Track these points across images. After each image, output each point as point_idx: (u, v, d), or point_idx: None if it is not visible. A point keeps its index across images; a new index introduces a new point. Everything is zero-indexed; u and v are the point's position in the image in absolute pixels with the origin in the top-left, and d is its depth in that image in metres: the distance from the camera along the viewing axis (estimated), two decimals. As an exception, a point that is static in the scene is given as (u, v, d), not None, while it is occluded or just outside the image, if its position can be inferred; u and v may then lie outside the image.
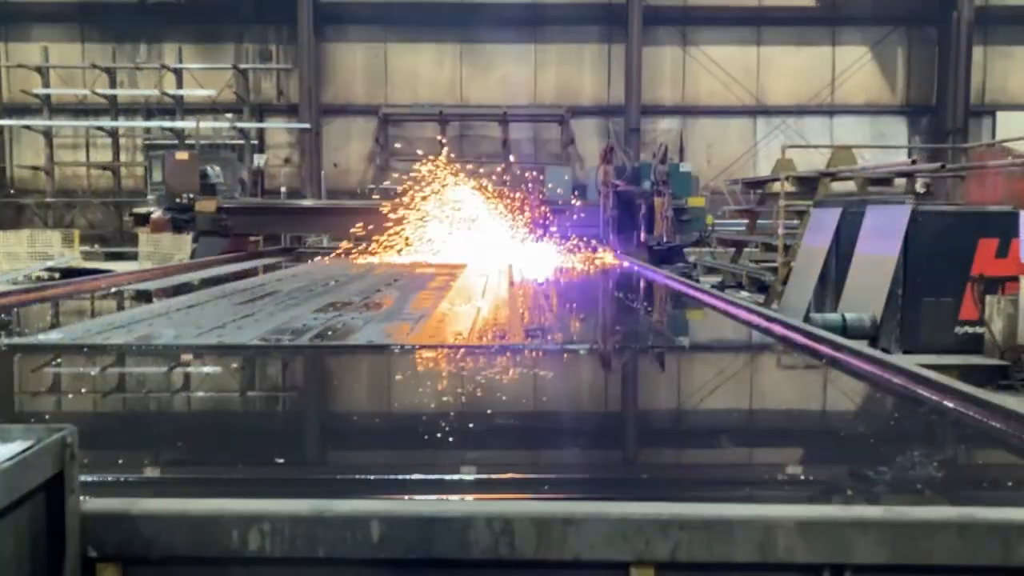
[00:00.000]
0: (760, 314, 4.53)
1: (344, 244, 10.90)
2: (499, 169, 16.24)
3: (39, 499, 1.32)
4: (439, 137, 22.41)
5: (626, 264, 9.01)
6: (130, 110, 22.76)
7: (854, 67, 22.25)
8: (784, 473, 2.20)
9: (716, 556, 1.42)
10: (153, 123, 22.29)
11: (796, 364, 3.69)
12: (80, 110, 22.57)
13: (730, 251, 15.44)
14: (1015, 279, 7.27)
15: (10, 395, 3.22)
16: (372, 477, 2.14)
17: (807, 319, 6.69)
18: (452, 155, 11.76)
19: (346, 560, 1.43)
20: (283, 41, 22.58)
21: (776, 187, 13.10)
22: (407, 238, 10.62)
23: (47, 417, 2.72)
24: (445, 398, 3.08)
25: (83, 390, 3.26)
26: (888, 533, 1.41)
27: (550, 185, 15.40)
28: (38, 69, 21.89)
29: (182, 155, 11.20)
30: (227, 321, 4.40)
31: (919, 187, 13.87)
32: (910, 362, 3.10)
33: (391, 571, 1.45)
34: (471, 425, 2.58)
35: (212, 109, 21.93)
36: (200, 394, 3.27)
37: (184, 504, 1.45)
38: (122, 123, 22.38)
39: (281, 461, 2.25)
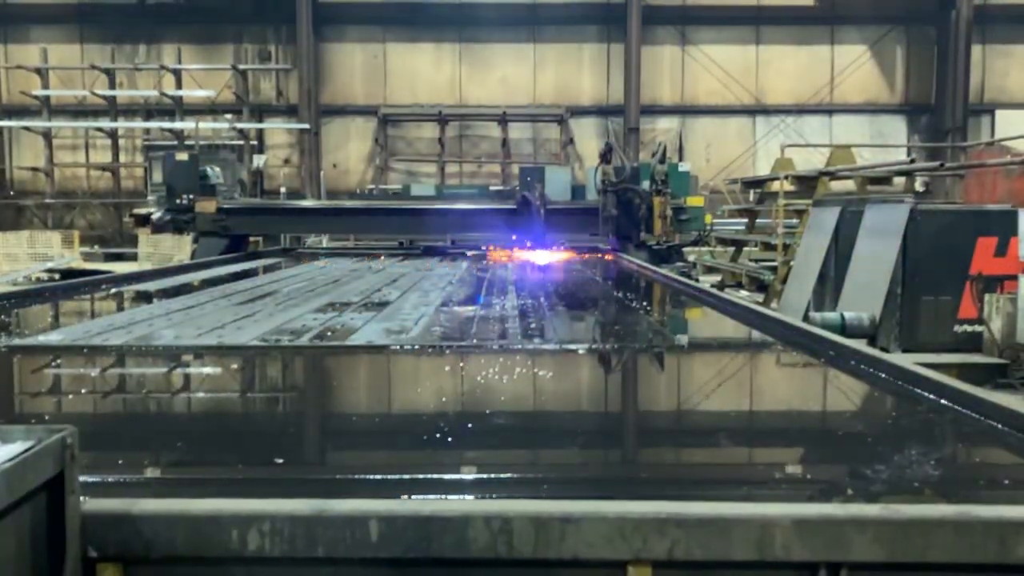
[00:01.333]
0: (759, 313, 4.54)
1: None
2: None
3: (39, 500, 1.33)
4: (438, 137, 22.44)
5: (624, 263, 9.02)
6: (129, 111, 22.78)
7: (853, 66, 22.27)
8: (781, 472, 2.20)
9: (713, 554, 1.43)
10: (152, 124, 22.30)
11: (794, 363, 3.70)
12: (79, 111, 22.59)
13: (729, 250, 15.45)
14: (1014, 278, 7.28)
15: (10, 396, 3.23)
16: (371, 477, 2.14)
17: (806, 318, 6.70)
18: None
19: (345, 559, 1.44)
20: (282, 41, 22.59)
21: (775, 186, 13.11)
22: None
23: (47, 418, 2.72)
24: (444, 398, 3.09)
25: (83, 391, 3.26)
26: (885, 531, 1.42)
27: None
28: (37, 70, 21.90)
29: (182, 155, 11.19)
30: (227, 321, 4.40)
31: (918, 186, 13.89)
32: (909, 361, 3.10)
33: (390, 570, 1.46)
34: (469, 425, 2.59)
35: (211, 110, 21.94)
36: (200, 395, 3.28)
37: (184, 504, 1.46)
38: (121, 124, 22.39)
39: (280, 461, 2.26)
